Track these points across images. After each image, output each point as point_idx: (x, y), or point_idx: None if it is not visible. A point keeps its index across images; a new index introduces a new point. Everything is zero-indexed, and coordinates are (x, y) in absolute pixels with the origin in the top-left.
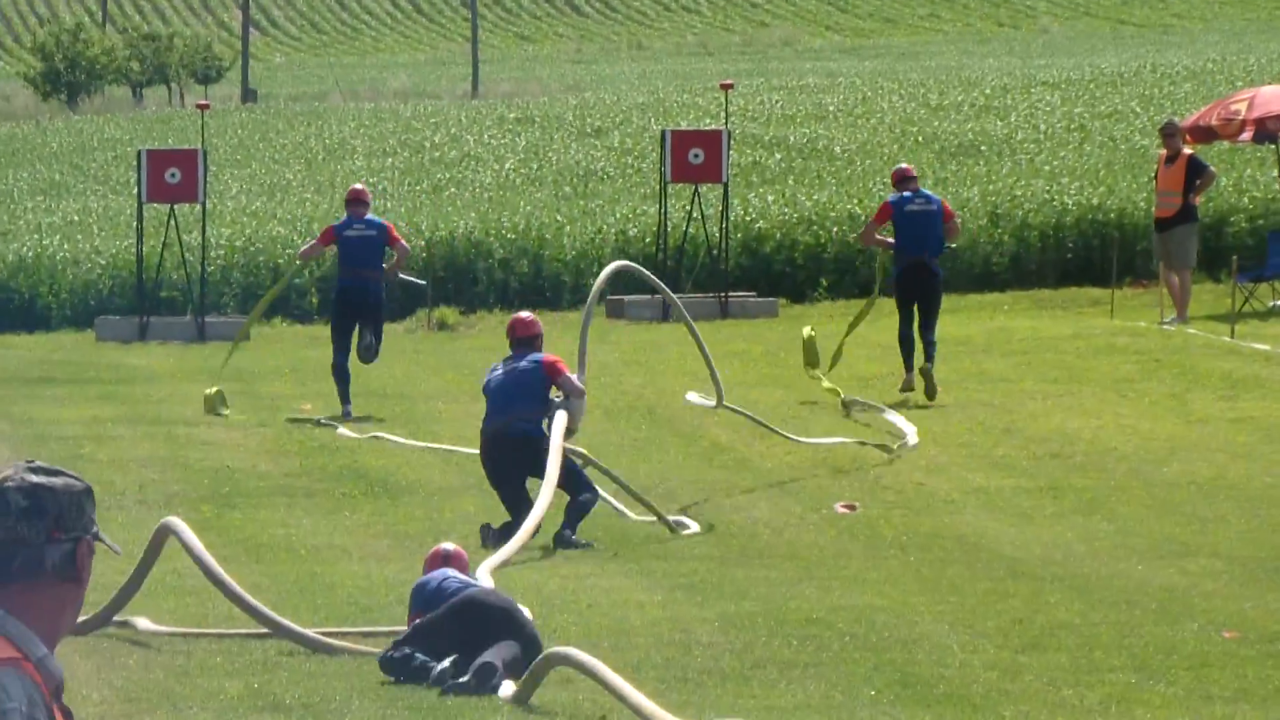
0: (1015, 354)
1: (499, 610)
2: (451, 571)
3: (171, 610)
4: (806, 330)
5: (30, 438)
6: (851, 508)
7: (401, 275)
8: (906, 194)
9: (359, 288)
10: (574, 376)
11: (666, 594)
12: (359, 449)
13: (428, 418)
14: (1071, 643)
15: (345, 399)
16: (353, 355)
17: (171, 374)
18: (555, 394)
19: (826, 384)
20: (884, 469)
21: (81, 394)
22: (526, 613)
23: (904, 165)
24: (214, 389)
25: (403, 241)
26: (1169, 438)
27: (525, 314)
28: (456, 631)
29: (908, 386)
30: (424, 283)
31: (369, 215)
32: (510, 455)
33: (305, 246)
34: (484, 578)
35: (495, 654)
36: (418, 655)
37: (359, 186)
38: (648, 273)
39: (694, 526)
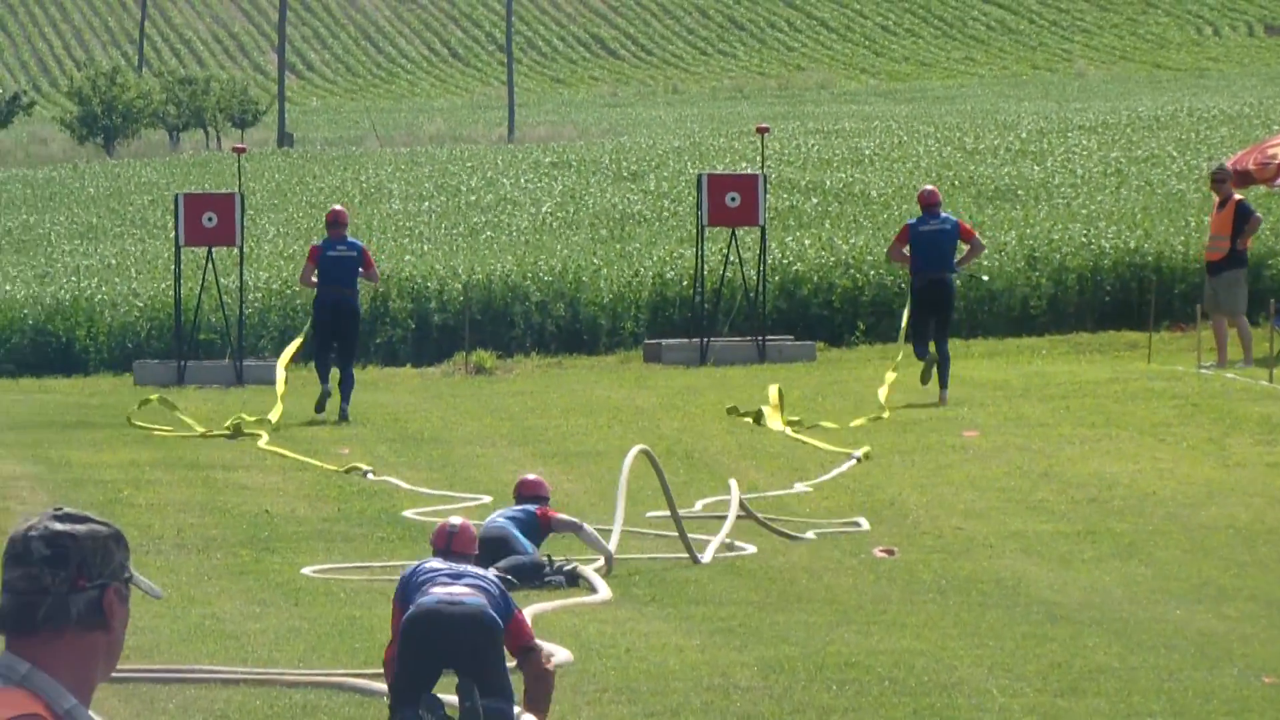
0: (1053, 398)
1: (454, 619)
2: (435, 564)
3: (211, 654)
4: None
5: (68, 482)
6: (890, 552)
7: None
8: (924, 216)
9: (337, 301)
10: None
11: (705, 638)
12: (396, 494)
13: (465, 462)
14: (1110, 687)
15: (324, 379)
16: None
17: (209, 418)
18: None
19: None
20: (922, 514)
21: (119, 438)
22: (494, 607)
23: (928, 188)
24: (154, 396)
25: (375, 267)
26: (1207, 482)
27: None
28: (424, 663)
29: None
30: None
31: (349, 237)
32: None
33: (302, 273)
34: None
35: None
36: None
37: (339, 208)
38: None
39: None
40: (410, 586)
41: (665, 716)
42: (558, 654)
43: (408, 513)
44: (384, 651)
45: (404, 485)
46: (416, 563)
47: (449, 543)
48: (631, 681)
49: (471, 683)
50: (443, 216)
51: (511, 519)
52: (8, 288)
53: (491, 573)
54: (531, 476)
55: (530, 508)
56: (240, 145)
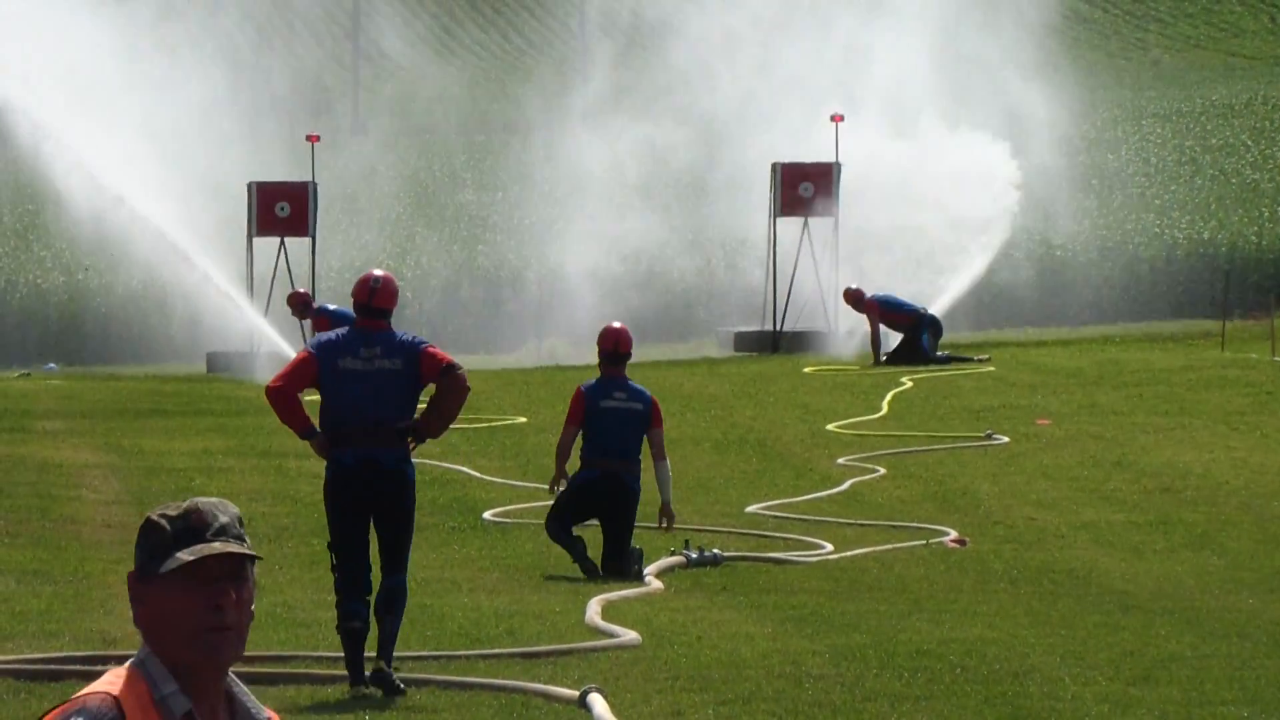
0: (1126, 386)
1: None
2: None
3: (282, 641)
4: None
5: (141, 470)
6: (961, 542)
7: None
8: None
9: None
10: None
11: (777, 626)
12: (469, 483)
13: (537, 451)
14: (1183, 676)
15: None
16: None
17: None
18: None
19: None
20: (994, 504)
21: (192, 426)
22: None
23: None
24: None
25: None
26: None
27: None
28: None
29: None
30: None
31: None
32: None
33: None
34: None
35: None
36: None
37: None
38: None
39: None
40: (333, 350)
41: (737, 704)
42: (624, 635)
43: (488, 514)
44: (278, 382)
45: (518, 484)
46: (335, 333)
47: (371, 297)
48: (703, 669)
49: None
50: (515, 206)
51: (635, 416)
52: (80, 276)
53: (408, 335)
54: (617, 325)
55: (646, 398)
56: (314, 134)
